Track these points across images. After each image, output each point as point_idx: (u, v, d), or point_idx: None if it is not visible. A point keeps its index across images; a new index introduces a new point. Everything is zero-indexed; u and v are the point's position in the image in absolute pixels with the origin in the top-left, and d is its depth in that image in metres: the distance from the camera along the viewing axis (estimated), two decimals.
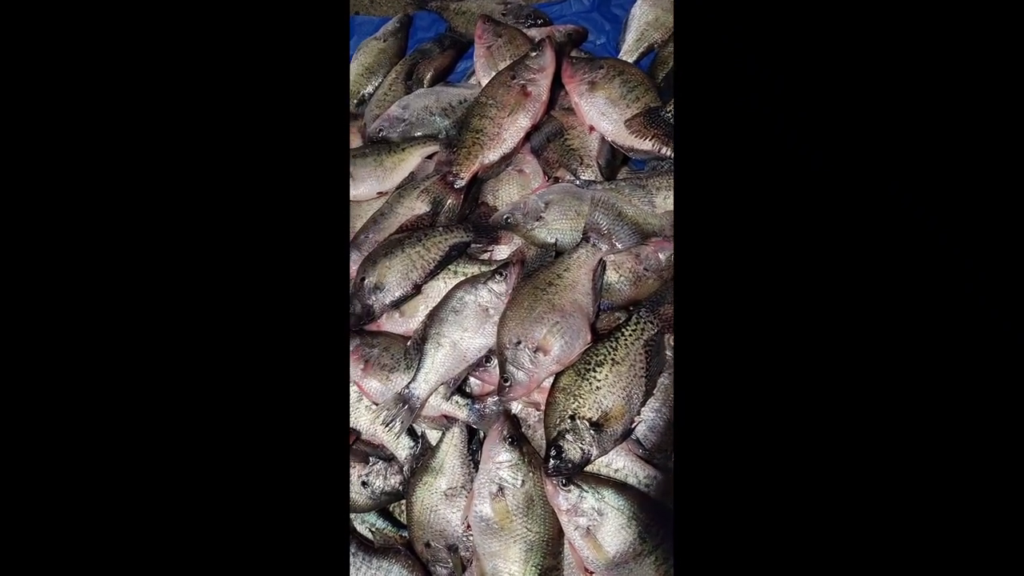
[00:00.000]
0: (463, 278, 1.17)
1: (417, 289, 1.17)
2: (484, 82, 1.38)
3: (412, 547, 1.11)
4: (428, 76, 1.53)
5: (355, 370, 1.14)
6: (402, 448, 1.15)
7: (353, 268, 1.24)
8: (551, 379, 1.06)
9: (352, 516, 1.17)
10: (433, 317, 1.12)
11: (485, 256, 1.24)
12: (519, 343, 1.04)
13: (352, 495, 1.13)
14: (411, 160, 1.36)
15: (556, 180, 1.27)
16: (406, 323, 1.19)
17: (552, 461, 0.97)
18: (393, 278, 1.16)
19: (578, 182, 1.23)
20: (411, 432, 1.16)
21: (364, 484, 1.12)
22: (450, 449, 1.11)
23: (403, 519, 1.18)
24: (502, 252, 1.24)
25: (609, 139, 1.28)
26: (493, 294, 1.12)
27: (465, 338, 1.11)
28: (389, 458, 1.16)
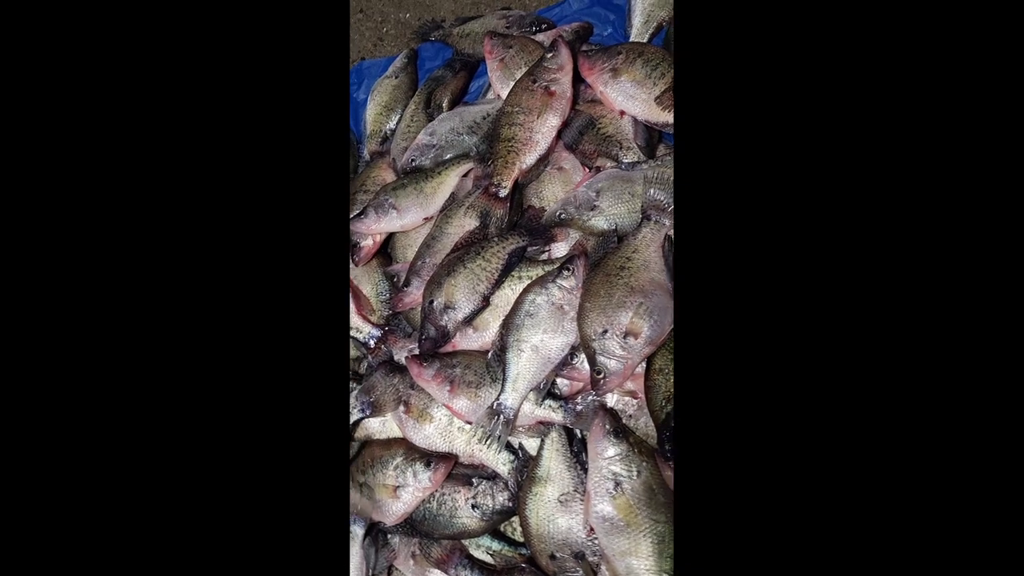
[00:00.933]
0: (529, 281, 1.15)
1: (486, 301, 1.16)
2: (503, 94, 1.38)
3: (536, 562, 1.07)
4: (446, 100, 1.54)
5: (442, 393, 1.12)
6: (502, 464, 1.12)
7: (417, 295, 1.23)
8: (642, 366, 1.04)
9: (467, 542, 1.14)
10: (509, 325, 1.10)
11: (544, 256, 1.22)
12: (605, 332, 1.01)
13: (463, 520, 1.10)
14: (449, 181, 1.35)
15: (598, 170, 1.26)
16: (480, 337, 1.17)
17: (669, 444, 0.94)
18: (461, 294, 1.15)
19: (622, 166, 1.22)
20: (508, 445, 1.13)
21: (474, 507, 1.09)
22: (552, 455, 1.07)
23: (518, 537, 1.14)
24: (560, 249, 1.22)
25: (642, 119, 1.27)
26: (564, 290, 1.10)
27: (545, 340, 1.08)
28: (492, 476, 1.13)
